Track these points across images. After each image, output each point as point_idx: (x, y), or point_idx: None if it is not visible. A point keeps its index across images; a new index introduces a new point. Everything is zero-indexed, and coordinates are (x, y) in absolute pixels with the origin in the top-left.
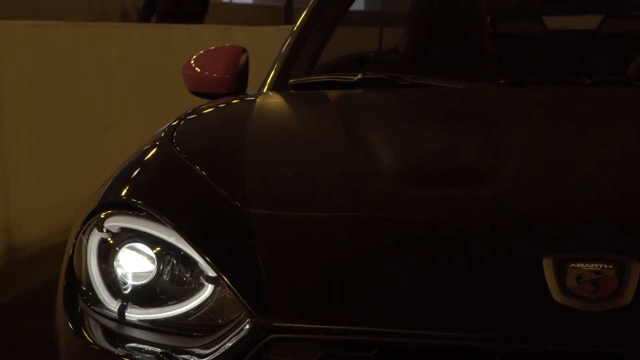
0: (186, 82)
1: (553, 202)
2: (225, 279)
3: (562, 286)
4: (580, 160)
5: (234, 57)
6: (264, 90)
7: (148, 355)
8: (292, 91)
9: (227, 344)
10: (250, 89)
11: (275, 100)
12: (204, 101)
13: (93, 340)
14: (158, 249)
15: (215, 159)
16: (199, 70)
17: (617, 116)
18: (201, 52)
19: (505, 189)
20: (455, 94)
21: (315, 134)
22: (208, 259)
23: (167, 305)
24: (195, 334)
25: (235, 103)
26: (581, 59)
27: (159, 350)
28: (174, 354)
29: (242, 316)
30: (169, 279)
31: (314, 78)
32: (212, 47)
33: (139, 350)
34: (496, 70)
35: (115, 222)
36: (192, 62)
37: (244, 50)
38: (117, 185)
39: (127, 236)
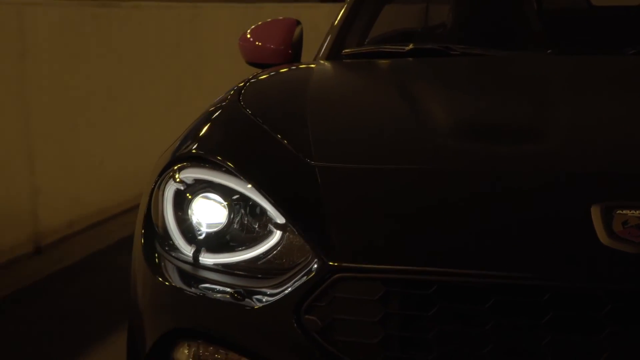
0: (243, 53)
1: (600, 156)
2: (294, 225)
3: (609, 231)
4: (623, 120)
5: (289, 29)
6: (320, 59)
7: (220, 295)
8: (346, 60)
9: (296, 284)
10: (303, 59)
11: (332, 67)
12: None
13: (169, 281)
14: (229, 198)
15: (280, 117)
16: (255, 41)
17: None
18: (257, 24)
19: (555, 144)
20: (504, 62)
21: (371, 95)
22: (277, 207)
23: (238, 250)
24: (264, 276)
25: (295, 69)
26: (624, 32)
27: (231, 290)
28: (246, 293)
29: (309, 259)
30: (239, 227)
31: (366, 48)
32: (268, 20)
33: (212, 290)
34: (542, 42)
35: (189, 174)
36: (247, 34)
37: (298, 22)
38: (190, 140)
39: (201, 187)
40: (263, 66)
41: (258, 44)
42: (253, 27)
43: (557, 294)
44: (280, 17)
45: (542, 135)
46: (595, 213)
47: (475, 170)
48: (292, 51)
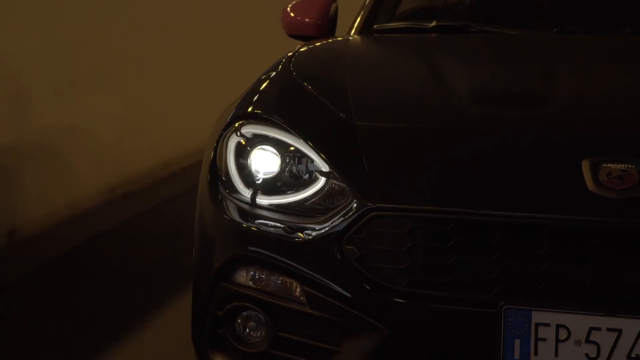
0: (284, 25)
1: (592, 119)
2: (336, 172)
3: (595, 180)
4: (615, 91)
5: (326, 5)
6: (353, 34)
7: (273, 229)
8: (376, 35)
9: (338, 220)
10: (338, 33)
11: (366, 40)
12: (298, 43)
13: (230, 217)
14: (282, 150)
15: (324, 83)
16: (295, 16)
17: None
18: (295, 1)
19: (556, 109)
20: (516, 39)
21: (401, 66)
22: (322, 158)
23: (289, 193)
24: (311, 214)
25: (335, 42)
26: (624, 11)
27: (283, 225)
28: (296, 228)
29: (349, 200)
30: (290, 174)
31: (395, 24)
32: None
33: (267, 225)
34: (552, 21)
35: (248, 129)
36: (288, 9)
37: None
38: (249, 101)
39: (258, 140)
40: (302, 38)
41: (298, 18)
42: (293, 2)
43: (552, 230)
44: None
45: (546, 102)
46: (585, 165)
47: (488, 130)
48: (329, 25)
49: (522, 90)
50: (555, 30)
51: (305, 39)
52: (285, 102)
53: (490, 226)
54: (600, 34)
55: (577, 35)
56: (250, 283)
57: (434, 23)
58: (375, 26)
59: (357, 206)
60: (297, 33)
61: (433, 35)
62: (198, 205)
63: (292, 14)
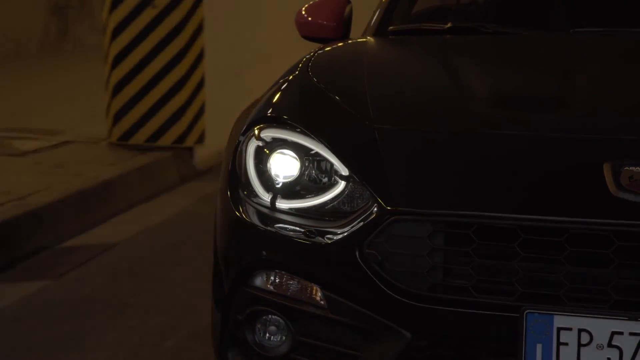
0: (298, 27)
1: (613, 123)
2: (357, 176)
3: (617, 183)
4: (635, 93)
5: (340, 7)
6: (368, 35)
7: (294, 233)
8: (392, 37)
9: (359, 224)
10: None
11: (382, 43)
12: (315, 45)
13: (250, 221)
14: (302, 154)
15: (342, 86)
16: (310, 18)
17: None
18: (312, 2)
19: (576, 113)
20: (532, 40)
21: (418, 68)
22: (342, 162)
23: (309, 197)
24: (331, 218)
25: (351, 44)
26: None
27: (303, 229)
28: (316, 232)
29: (369, 204)
30: (310, 178)
31: (410, 26)
32: None
33: (287, 229)
34: (566, 21)
35: (268, 133)
36: (303, 11)
37: (348, 1)
38: (268, 105)
39: (277, 144)
40: (317, 40)
41: (312, 20)
42: (308, 4)
43: (574, 234)
44: None
45: (566, 104)
46: (607, 169)
47: (508, 133)
48: (343, 27)
49: (541, 93)
50: (571, 30)
51: (320, 40)
52: (304, 106)
53: (511, 230)
54: (616, 35)
55: (593, 36)
56: (271, 287)
57: (449, 24)
58: (390, 28)
59: (377, 210)
60: (311, 35)
61: (449, 36)
62: (218, 209)
63: (306, 16)
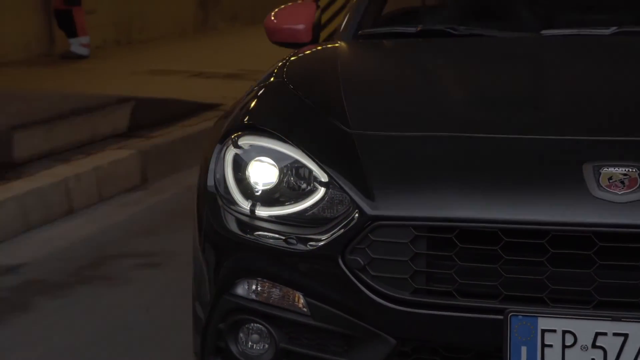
0: (268, 33)
1: (590, 124)
2: (337, 182)
3: (597, 184)
4: (608, 94)
5: (309, 11)
6: (338, 40)
7: (274, 240)
8: (363, 40)
9: (340, 230)
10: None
11: (355, 46)
12: (287, 50)
13: (230, 229)
14: (280, 161)
15: (319, 92)
16: (279, 23)
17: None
18: (279, 7)
19: (553, 114)
20: (501, 42)
21: (394, 72)
22: (321, 168)
23: (288, 204)
24: (311, 225)
25: (324, 49)
26: (609, 12)
27: (284, 237)
28: (297, 239)
29: (350, 210)
30: (289, 185)
31: (381, 29)
32: (289, 4)
33: (268, 236)
34: (535, 23)
35: (246, 141)
36: (272, 17)
37: (317, 5)
38: (245, 112)
39: (256, 152)
40: (287, 45)
41: (282, 26)
42: (276, 10)
43: (556, 235)
44: (300, 1)
45: (543, 106)
46: (586, 170)
47: (488, 136)
48: (313, 32)
49: (518, 95)
50: (541, 32)
51: (291, 46)
52: (281, 113)
53: (493, 233)
54: (586, 35)
55: (565, 37)
56: (253, 295)
57: (419, 27)
58: (361, 32)
59: (358, 216)
60: (282, 40)
61: (421, 39)
62: (196, 218)
63: (276, 21)
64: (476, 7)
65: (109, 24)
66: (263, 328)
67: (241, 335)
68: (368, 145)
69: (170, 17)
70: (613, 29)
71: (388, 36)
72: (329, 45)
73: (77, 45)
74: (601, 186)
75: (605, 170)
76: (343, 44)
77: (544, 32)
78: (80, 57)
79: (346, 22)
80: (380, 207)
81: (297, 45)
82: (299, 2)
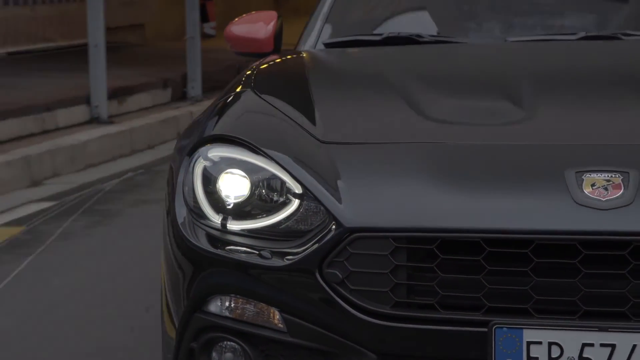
0: (229, 43)
1: (570, 131)
2: (312, 194)
3: (580, 191)
4: (588, 99)
5: (270, 20)
6: (302, 48)
7: (248, 255)
8: (328, 49)
9: (316, 244)
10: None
11: (322, 55)
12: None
13: (200, 245)
14: (251, 173)
15: (289, 101)
16: (241, 33)
17: (610, 65)
18: (239, 17)
19: (531, 121)
20: (469, 48)
21: (363, 80)
22: (295, 179)
23: (261, 217)
24: (286, 238)
25: (291, 59)
26: (573, 17)
27: (258, 251)
28: (271, 254)
29: (326, 222)
30: (261, 197)
31: (345, 38)
32: (249, 13)
33: (240, 251)
34: (501, 28)
35: (216, 153)
36: (233, 26)
37: (278, 15)
38: (213, 123)
39: (226, 163)
40: (249, 55)
41: (243, 36)
42: (237, 20)
43: (539, 244)
44: (261, 11)
45: (521, 112)
46: (569, 177)
47: (467, 144)
48: (275, 41)
49: (494, 101)
50: (506, 39)
51: (253, 55)
52: (251, 123)
53: (475, 243)
54: (554, 40)
55: (532, 42)
56: (226, 312)
57: (384, 35)
58: (326, 40)
59: (335, 228)
60: (243, 50)
61: (387, 47)
62: (164, 233)
63: (237, 32)
64: (441, 13)
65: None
66: (237, 346)
67: (214, 354)
68: (343, 155)
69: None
70: (581, 34)
71: (352, 44)
72: (295, 55)
73: (208, 28)
74: (584, 193)
75: (587, 176)
76: (309, 52)
77: (509, 39)
78: (210, 37)
79: (309, 30)
80: (358, 218)
81: (260, 55)
82: (259, 11)
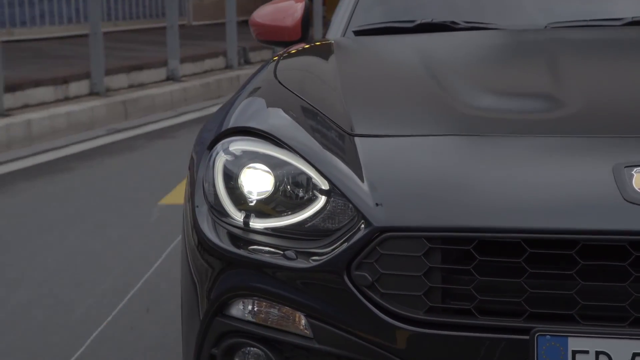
0: (254, 31)
1: (616, 121)
2: (340, 190)
3: (629, 188)
4: (633, 87)
5: (298, 8)
6: (332, 36)
7: (272, 255)
8: (358, 37)
9: (344, 244)
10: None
11: (350, 43)
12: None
13: (221, 244)
14: (275, 168)
15: (316, 92)
16: (265, 22)
17: None
18: (266, 4)
19: (575, 111)
20: (506, 35)
21: (394, 69)
22: (322, 174)
23: (286, 215)
24: (312, 237)
25: (318, 46)
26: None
27: (282, 251)
28: (296, 254)
29: (354, 220)
30: (286, 194)
31: (376, 24)
32: (275, 0)
33: (264, 251)
34: (537, 14)
35: (237, 146)
36: (258, 13)
37: (305, 1)
38: (236, 115)
39: (249, 158)
40: (275, 44)
41: (269, 23)
42: (263, 7)
43: (585, 245)
44: None
45: (562, 104)
46: (617, 173)
47: (504, 137)
48: (302, 29)
49: (534, 92)
50: (547, 24)
51: (279, 44)
52: (276, 115)
53: (516, 244)
54: (598, 26)
55: (570, 29)
56: (249, 316)
57: (416, 22)
58: (355, 27)
59: (365, 227)
60: (269, 38)
61: (419, 34)
62: (184, 231)
63: (262, 19)
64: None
65: None
66: (261, 352)
67: None
68: (373, 149)
69: None
70: (627, 19)
71: (384, 31)
72: (323, 43)
73: None
74: (634, 189)
75: (638, 171)
76: (338, 40)
77: (550, 24)
78: None
79: (338, 18)
80: (389, 217)
81: (286, 44)
82: None
